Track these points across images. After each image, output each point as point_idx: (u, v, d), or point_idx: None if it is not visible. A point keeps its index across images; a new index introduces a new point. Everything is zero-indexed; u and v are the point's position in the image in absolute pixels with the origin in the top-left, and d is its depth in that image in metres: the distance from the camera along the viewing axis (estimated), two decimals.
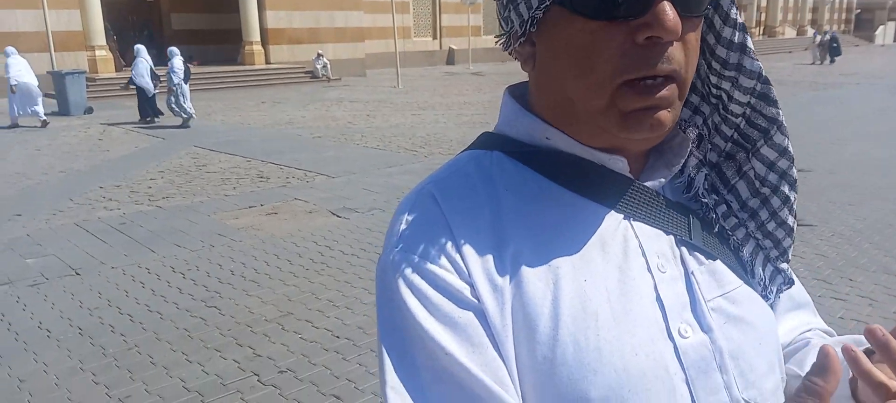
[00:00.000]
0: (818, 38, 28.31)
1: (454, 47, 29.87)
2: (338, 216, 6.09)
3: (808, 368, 0.55)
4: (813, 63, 27.13)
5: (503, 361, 0.58)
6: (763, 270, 0.71)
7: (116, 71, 19.46)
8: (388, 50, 24.79)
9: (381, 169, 8.14)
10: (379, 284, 0.63)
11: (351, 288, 4.34)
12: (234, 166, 8.50)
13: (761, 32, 41.96)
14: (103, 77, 18.26)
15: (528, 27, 0.62)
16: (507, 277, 0.60)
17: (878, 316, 3.78)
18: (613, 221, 0.64)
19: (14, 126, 12.01)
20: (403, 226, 0.64)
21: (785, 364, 0.71)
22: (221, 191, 7.16)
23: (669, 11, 0.55)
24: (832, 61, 26.67)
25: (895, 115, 12.48)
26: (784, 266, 0.73)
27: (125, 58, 21.11)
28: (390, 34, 21.80)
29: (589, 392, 0.57)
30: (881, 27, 50.03)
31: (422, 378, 0.58)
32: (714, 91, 0.69)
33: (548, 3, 0.59)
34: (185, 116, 12.02)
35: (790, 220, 0.71)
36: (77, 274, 4.73)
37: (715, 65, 0.67)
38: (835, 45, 26.77)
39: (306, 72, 21.82)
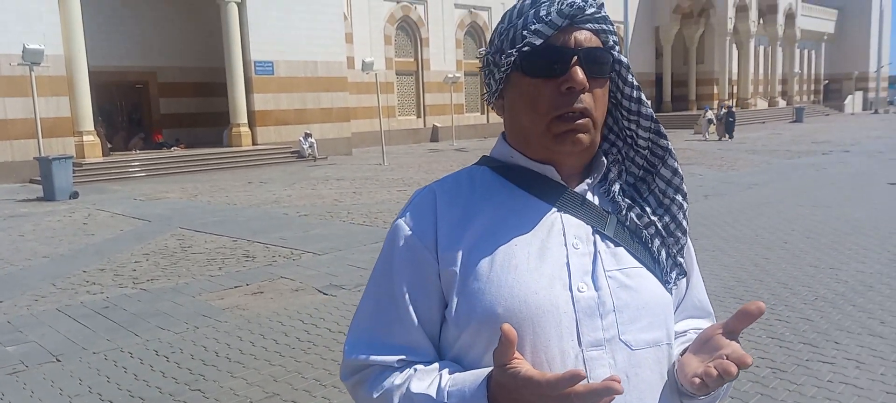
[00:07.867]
0: (710, 113, 27.95)
1: (438, 125, 30.46)
2: (324, 293, 6.06)
3: (681, 349, 0.98)
4: (704, 139, 26.58)
5: (438, 290, 0.94)
6: (666, 260, 1.00)
7: (103, 155, 19.56)
8: (373, 129, 25.14)
9: (367, 245, 8.16)
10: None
11: (338, 367, 4.27)
12: (220, 246, 8.48)
13: (735, 104, 43.14)
14: (90, 162, 18.34)
15: (498, 86, 0.99)
16: (466, 240, 0.94)
17: (866, 378, 3.79)
18: (548, 212, 0.96)
19: None
20: (410, 205, 1.01)
21: (676, 349, 1.01)
22: (207, 271, 7.12)
23: (580, 72, 0.90)
24: (730, 137, 26.64)
25: (869, 179, 12.81)
26: (681, 260, 1.02)
27: (112, 142, 21.33)
28: (375, 113, 22.21)
29: (497, 309, 0.89)
30: (849, 97, 52.20)
31: (376, 288, 0.99)
32: (626, 132, 1.02)
33: (509, 70, 0.95)
34: None
35: (685, 224, 1.02)
36: (58, 360, 4.63)
37: (624, 113, 1.00)
38: (731, 119, 26.96)
39: (293, 152, 22.07)
